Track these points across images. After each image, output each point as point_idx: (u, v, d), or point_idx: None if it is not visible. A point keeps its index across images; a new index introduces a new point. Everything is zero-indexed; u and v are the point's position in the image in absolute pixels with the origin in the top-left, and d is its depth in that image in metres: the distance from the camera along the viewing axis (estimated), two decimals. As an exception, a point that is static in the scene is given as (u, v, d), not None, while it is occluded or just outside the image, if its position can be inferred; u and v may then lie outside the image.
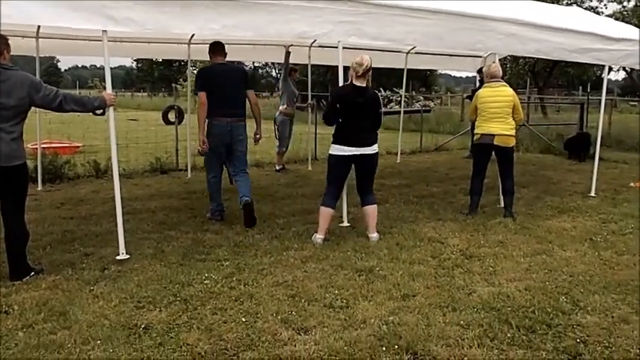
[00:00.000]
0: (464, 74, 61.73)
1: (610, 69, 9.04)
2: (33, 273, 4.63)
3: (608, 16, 24.46)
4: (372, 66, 5.57)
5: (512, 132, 6.77)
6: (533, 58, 22.84)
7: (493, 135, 6.66)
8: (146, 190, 7.99)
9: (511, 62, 26.20)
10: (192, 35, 8.96)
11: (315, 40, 9.45)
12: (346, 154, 5.60)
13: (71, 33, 7.84)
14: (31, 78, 4.52)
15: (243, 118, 6.38)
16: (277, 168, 10.51)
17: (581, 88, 31.18)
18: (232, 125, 6.23)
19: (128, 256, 5.11)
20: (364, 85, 5.57)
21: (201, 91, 6.14)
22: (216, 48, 6.41)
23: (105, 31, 4.86)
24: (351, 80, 5.59)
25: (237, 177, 6.44)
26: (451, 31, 6.63)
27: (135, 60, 57.65)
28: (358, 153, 5.60)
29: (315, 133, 12.17)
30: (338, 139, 5.64)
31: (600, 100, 8.73)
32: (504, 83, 6.84)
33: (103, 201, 7.48)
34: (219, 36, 5.54)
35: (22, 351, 3.36)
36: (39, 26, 7.64)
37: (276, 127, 10.32)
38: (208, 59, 6.53)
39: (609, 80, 44.62)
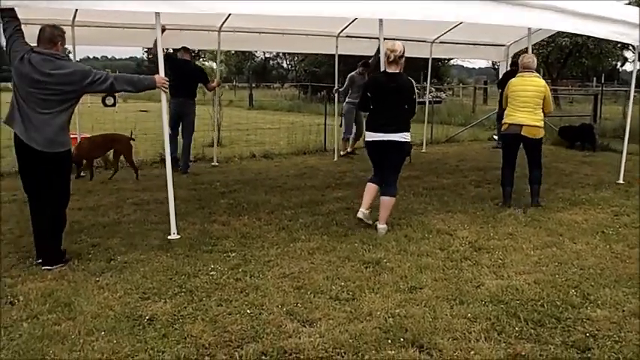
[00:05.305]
0: (477, 65, 61.04)
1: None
2: (65, 260, 4.68)
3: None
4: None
5: (541, 123, 6.68)
6: (546, 49, 22.53)
7: (521, 125, 6.59)
8: (155, 182, 7.96)
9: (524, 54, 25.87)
10: (223, 23, 8.98)
11: (343, 30, 9.45)
12: (373, 139, 5.68)
13: (108, 20, 7.93)
14: (82, 66, 4.73)
15: (193, 99, 9.08)
16: (342, 153, 11.01)
17: (595, 79, 30.81)
18: (182, 101, 8.84)
19: (179, 236, 5.33)
20: (397, 71, 5.57)
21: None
22: (185, 49, 9.07)
23: (158, 13, 4.96)
24: (384, 67, 5.62)
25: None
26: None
27: (146, 51, 57.47)
28: (384, 139, 5.58)
29: (325, 124, 12.12)
30: (368, 126, 5.79)
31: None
32: (537, 74, 6.77)
33: (110, 192, 7.48)
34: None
35: (26, 342, 3.36)
36: (75, 14, 7.65)
37: (342, 115, 11.08)
38: (235, 49, 6.86)
39: (624, 72, 43.76)
